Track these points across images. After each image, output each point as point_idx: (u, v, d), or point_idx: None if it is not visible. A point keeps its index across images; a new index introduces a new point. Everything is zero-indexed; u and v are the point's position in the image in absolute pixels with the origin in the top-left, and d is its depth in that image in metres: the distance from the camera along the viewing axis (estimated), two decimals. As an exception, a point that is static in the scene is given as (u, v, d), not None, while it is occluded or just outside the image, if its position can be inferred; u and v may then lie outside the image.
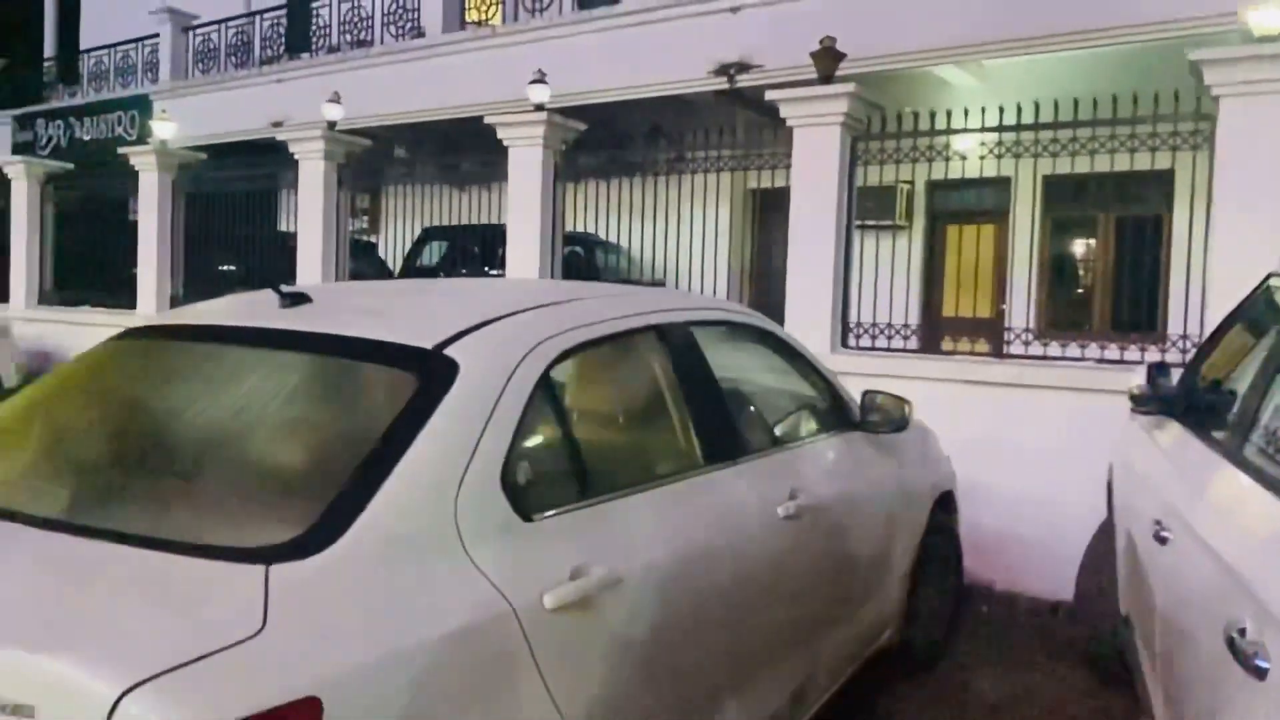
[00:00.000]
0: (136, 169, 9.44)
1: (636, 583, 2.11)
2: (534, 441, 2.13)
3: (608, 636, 2.04)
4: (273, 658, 1.46)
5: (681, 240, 6.80)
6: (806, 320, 5.95)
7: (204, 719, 1.36)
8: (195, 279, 9.34)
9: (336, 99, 8.30)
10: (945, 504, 4.17)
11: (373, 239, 10.24)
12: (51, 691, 1.37)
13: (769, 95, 6.00)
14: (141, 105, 14.44)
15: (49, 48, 18.06)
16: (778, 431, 3.31)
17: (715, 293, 6.91)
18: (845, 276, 6.01)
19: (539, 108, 7.16)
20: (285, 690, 1.43)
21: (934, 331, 8.08)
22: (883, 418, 3.50)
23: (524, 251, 7.18)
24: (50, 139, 15.83)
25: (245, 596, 1.51)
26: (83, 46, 16.90)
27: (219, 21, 13.92)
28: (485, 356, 2.09)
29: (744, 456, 2.78)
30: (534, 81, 7.26)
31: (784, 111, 5.94)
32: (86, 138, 15.21)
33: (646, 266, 7.97)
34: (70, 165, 10.70)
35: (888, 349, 5.93)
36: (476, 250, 9.38)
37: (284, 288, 2.38)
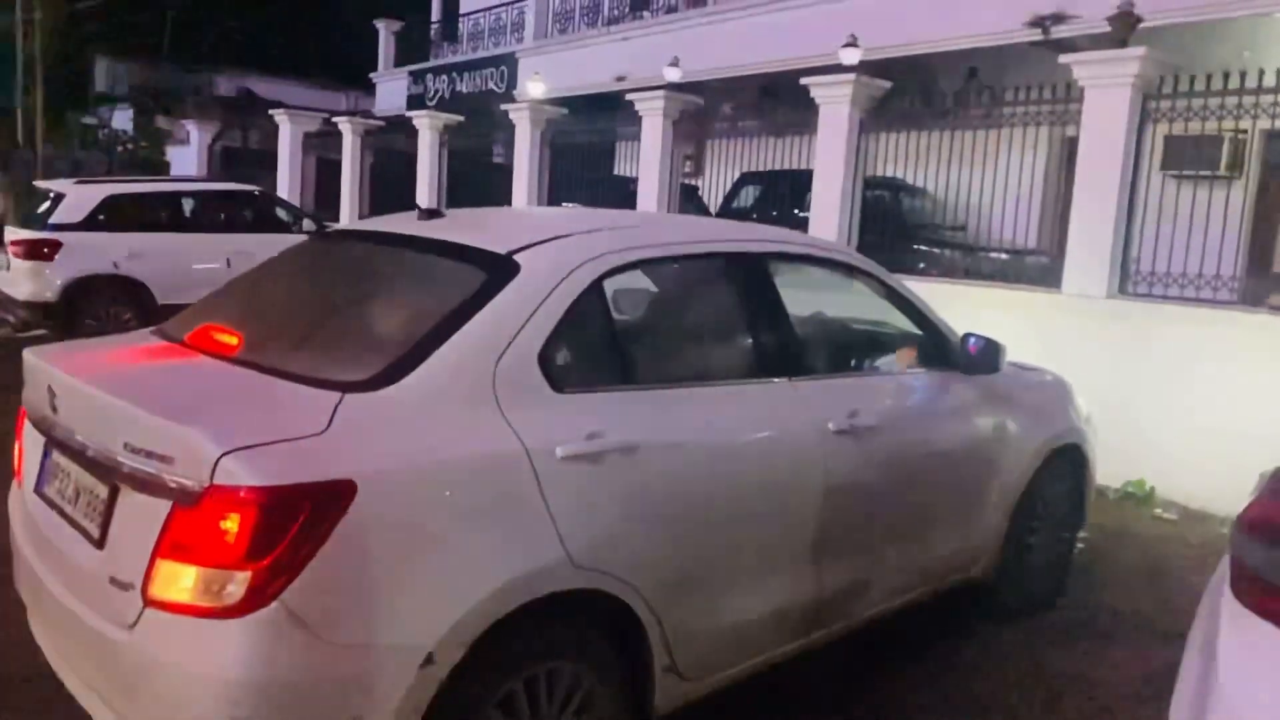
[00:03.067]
0: (513, 121, 11.42)
1: (652, 453, 2.53)
2: (577, 333, 2.56)
3: (618, 490, 2.45)
4: (326, 450, 2.02)
5: (989, 185, 7.22)
6: (1084, 264, 6.48)
7: (268, 478, 1.94)
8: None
9: (675, 63, 9.63)
10: (1069, 458, 4.13)
11: (695, 183, 11.55)
12: (182, 447, 2.01)
13: (1061, 58, 6.50)
14: (509, 62, 16.78)
15: (435, 12, 21.09)
16: (852, 360, 3.67)
17: (1024, 237, 7.28)
18: (1128, 225, 6.42)
19: (849, 69, 8.02)
20: (330, 471, 1.99)
21: (1262, 288, 7.82)
22: (972, 360, 3.63)
23: (828, 199, 8.14)
24: (436, 91, 18.73)
25: (320, 410, 2.09)
26: (462, 10, 19.67)
27: (576, -16, 15.86)
28: (544, 262, 2.56)
29: (800, 376, 3.08)
30: (846, 45, 8.13)
31: (1075, 73, 6.44)
32: (465, 90, 17.89)
33: (952, 211, 8.42)
34: (461, 117, 12.98)
35: (1182, 298, 6.11)
36: (787, 193, 10.33)
37: (423, 206, 3.19)
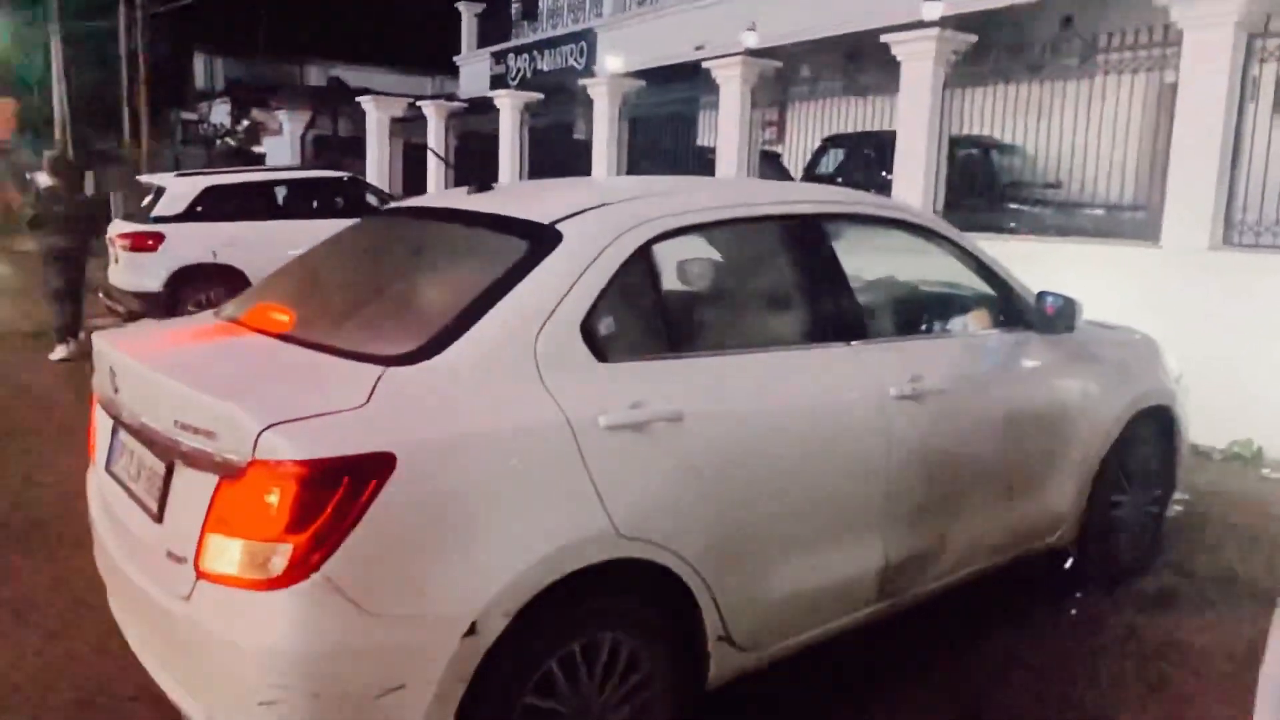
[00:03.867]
0: (592, 97, 11.44)
1: (700, 421, 2.47)
2: (621, 301, 2.51)
3: (664, 458, 2.42)
4: (366, 422, 2.04)
5: (1084, 139, 6.86)
6: (1185, 216, 6.16)
7: (308, 451, 1.96)
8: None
9: (753, 28, 9.47)
10: (1157, 420, 3.94)
11: (778, 149, 11.38)
12: (225, 423, 2.05)
13: (1157, 0, 6.16)
14: (589, 38, 16.79)
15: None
16: (921, 324, 3.54)
17: (1121, 192, 6.94)
18: (1232, 173, 6.07)
19: (931, 24, 7.76)
20: (369, 443, 2.00)
21: None
22: (1048, 319, 3.49)
23: (912, 159, 7.92)
24: (518, 71, 18.87)
25: (362, 384, 2.11)
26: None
27: (654, -46, 15.72)
28: (587, 230, 2.53)
29: (860, 340, 2.99)
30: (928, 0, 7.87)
31: (1174, 14, 6.10)
32: (545, 69, 17.97)
33: (1045, 167, 8.02)
34: (541, 95, 13.07)
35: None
36: (873, 155, 10.07)
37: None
